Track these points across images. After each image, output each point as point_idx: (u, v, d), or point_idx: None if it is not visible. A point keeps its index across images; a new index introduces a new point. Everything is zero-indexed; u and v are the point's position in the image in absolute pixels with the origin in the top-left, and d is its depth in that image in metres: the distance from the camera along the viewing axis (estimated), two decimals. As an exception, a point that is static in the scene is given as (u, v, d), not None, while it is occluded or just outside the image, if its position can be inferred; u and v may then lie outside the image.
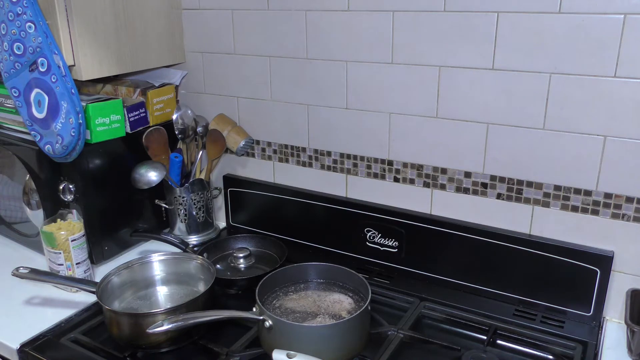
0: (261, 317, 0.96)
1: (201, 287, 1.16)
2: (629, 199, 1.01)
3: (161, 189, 1.40)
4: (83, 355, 1.01)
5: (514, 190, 1.11)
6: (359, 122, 1.24)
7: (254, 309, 0.99)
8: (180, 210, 1.41)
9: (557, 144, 1.04)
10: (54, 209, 1.28)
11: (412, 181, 1.21)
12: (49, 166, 1.26)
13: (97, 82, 1.43)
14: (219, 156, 1.42)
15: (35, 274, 1.09)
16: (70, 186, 1.26)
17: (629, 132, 0.98)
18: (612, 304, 1.08)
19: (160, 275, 1.19)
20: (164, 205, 1.42)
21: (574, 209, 1.06)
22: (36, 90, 1.15)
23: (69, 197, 1.27)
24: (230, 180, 1.46)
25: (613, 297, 1.08)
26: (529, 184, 1.09)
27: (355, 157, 1.27)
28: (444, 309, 1.13)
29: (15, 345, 1.04)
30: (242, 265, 1.29)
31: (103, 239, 1.32)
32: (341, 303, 1.06)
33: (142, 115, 1.35)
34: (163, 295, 1.18)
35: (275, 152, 1.39)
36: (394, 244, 1.24)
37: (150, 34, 1.32)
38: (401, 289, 1.20)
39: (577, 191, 1.05)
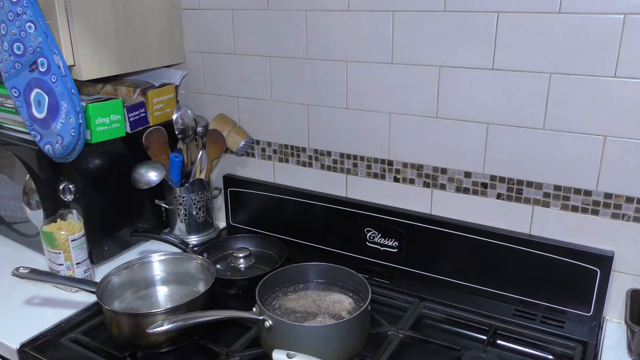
0: (261, 317, 0.96)
1: (201, 287, 1.16)
2: (629, 199, 1.01)
3: (161, 189, 1.40)
4: (83, 355, 1.01)
5: (514, 190, 1.11)
6: (359, 122, 1.24)
7: (254, 309, 0.99)
8: (180, 210, 1.41)
9: (557, 144, 1.04)
10: (54, 209, 1.28)
11: (412, 181, 1.21)
12: (49, 166, 1.26)
13: (97, 82, 1.43)
14: (219, 156, 1.42)
15: (35, 274, 1.09)
16: (70, 186, 1.26)
17: (629, 132, 0.98)
18: (612, 304, 1.08)
19: (160, 275, 1.19)
20: (164, 205, 1.42)
21: (574, 209, 1.06)
22: (36, 90, 1.15)
23: (69, 197, 1.27)
24: (230, 180, 1.46)
25: (613, 297, 1.08)
26: (529, 184, 1.09)
27: (355, 157, 1.27)
28: (444, 309, 1.13)
29: (15, 345, 1.04)
30: (242, 265, 1.29)
31: (103, 239, 1.32)
32: (341, 303, 1.06)
33: (142, 115, 1.35)
34: (163, 295, 1.18)
35: (275, 152, 1.39)
36: (394, 244, 1.24)
37: (150, 34, 1.32)
38: (401, 289, 1.20)
39: (577, 191, 1.05)
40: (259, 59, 1.32)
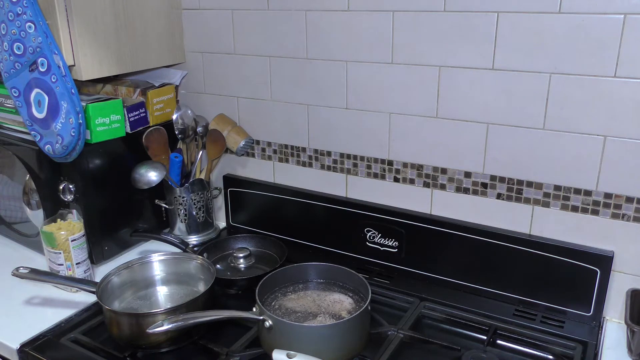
0: (261, 317, 0.96)
1: (201, 287, 1.16)
2: (629, 199, 1.01)
3: (161, 189, 1.40)
4: (83, 355, 1.01)
5: (514, 190, 1.11)
6: (359, 122, 1.24)
7: (254, 309, 0.99)
8: (180, 210, 1.41)
9: (557, 144, 1.04)
10: (54, 209, 1.28)
11: (412, 181, 1.21)
12: (49, 166, 1.26)
13: (97, 82, 1.43)
14: (219, 156, 1.42)
15: (35, 274, 1.09)
16: (70, 186, 1.26)
17: (629, 132, 0.98)
18: (612, 304, 1.08)
19: (160, 275, 1.19)
20: (164, 205, 1.42)
21: (574, 209, 1.06)
22: (36, 90, 1.15)
23: (69, 197, 1.27)
24: (230, 180, 1.46)
25: (613, 297, 1.08)
26: (529, 184, 1.09)
27: (355, 157, 1.27)
28: (444, 309, 1.13)
29: (15, 345, 1.04)
30: (242, 265, 1.29)
31: (103, 239, 1.32)
32: (341, 303, 1.06)
33: (142, 115, 1.35)
34: (163, 295, 1.18)
35: (275, 152, 1.39)
36: (394, 244, 1.24)
37: (150, 34, 1.32)
38: (401, 289, 1.20)
39: (577, 191, 1.05)
40: (259, 59, 1.32)
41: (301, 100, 1.30)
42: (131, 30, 1.27)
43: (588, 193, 1.04)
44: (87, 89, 1.42)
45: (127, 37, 1.26)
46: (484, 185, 1.14)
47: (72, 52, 1.16)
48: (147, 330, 0.91)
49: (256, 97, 1.36)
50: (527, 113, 1.05)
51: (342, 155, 1.29)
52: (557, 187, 1.07)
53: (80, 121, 1.15)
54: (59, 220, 1.21)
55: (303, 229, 1.37)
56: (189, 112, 1.40)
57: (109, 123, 1.26)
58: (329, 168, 1.32)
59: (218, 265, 1.31)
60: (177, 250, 1.28)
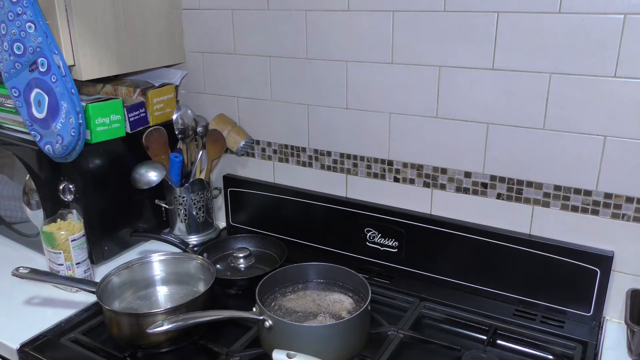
0: (261, 317, 0.96)
1: (201, 287, 1.16)
2: (629, 199, 1.01)
3: (161, 189, 1.40)
4: (83, 355, 1.01)
5: (514, 190, 1.11)
6: (359, 122, 1.24)
7: (254, 309, 0.99)
8: (180, 210, 1.41)
9: (557, 144, 1.04)
10: (54, 209, 1.28)
11: (412, 181, 1.21)
12: (49, 166, 1.26)
13: (97, 82, 1.43)
14: (219, 156, 1.42)
15: (35, 274, 1.09)
16: (70, 186, 1.26)
17: (629, 132, 0.98)
18: (612, 304, 1.08)
19: (160, 275, 1.19)
20: (164, 205, 1.42)
21: (574, 209, 1.06)
22: (36, 90, 1.15)
23: (69, 197, 1.27)
24: (230, 180, 1.46)
25: (613, 297, 1.08)
26: (529, 184, 1.09)
27: (355, 157, 1.27)
28: (444, 309, 1.13)
29: (15, 345, 1.04)
30: (242, 265, 1.29)
31: (103, 239, 1.32)
32: (341, 303, 1.06)
33: (142, 115, 1.35)
34: (163, 295, 1.18)
35: (275, 152, 1.39)
36: (394, 244, 1.24)
37: (150, 34, 1.32)
38: (401, 289, 1.20)
39: (577, 191, 1.05)
40: (259, 59, 1.32)
41: (301, 100, 1.30)
42: (131, 30, 1.27)
43: (588, 193, 1.04)
44: (87, 89, 1.42)
45: (127, 37, 1.26)
46: (484, 185, 1.14)
47: (72, 52, 1.16)
48: (147, 330, 0.91)
49: (256, 97, 1.36)
50: (527, 113, 1.05)
51: (342, 155, 1.29)
52: (557, 187, 1.07)
53: (80, 121, 1.15)
54: (59, 220, 1.21)
55: (303, 229, 1.37)
56: (189, 112, 1.40)
57: (109, 123, 1.26)
58: (329, 168, 1.32)
59: (218, 265, 1.31)
60: (177, 250, 1.28)
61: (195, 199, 1.40)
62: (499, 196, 1.13)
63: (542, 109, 1.03)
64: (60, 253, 1.17)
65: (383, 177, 1.25)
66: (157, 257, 1.19)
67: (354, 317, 0.96)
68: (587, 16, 0.95)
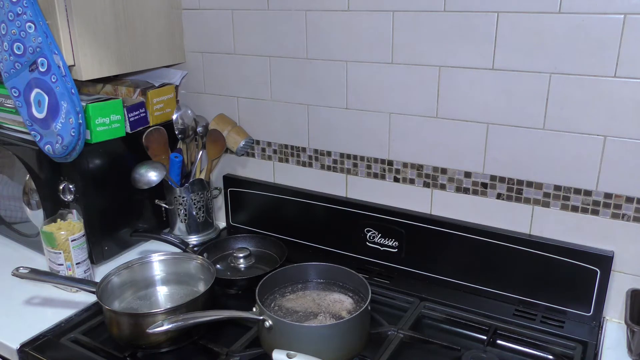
0: (261, 317, 0.96)
1: (201, 287, 1.16)
2: (629, 199, 1.01)
3: (161, 189, 1.40)
4: (83, 355, 1.01)
5: (514, 190, 1.11)
6: (359, 122, 1.24)
7: (254, 309, 0.99)
8: (180, 210, 1.41)
9: (557, 144, 1.04)
10: (54, 209, 1.28)
11: (412, 181, 1.21)
12: (49, 166, 1.26)
13: (97, 82, 1.43)
14: (219, 156, 1.42)
15: (35, 274, 1.09)
16: (70, 186, 1.26)
17: (629, 132, 0.98)
18: (612, 304, 1.08)
19: (160, 275, 1.19)
20: (164, 205, 1.42)
21: (574, 209, 1.06)
22: (36, 90, 1.15)
23: (69, 197, 1.27)
24: (230, 180, 1.46)
25: (613, 297, 1.08)
26: (529, 184, 1.09)
27: (355, 157, 1.27)
28: (444, 309, 1.13)
29: (15, 345, 1.04)
30: (242, 265, 1.29)
31: (103, 239, 1.32)
32: (341, 303, 1.06)
33: (142, 115, 1.35)
34: (163, 295, 1.18)
35: (275, 152, 1.39)
36: (394, 244, 1.24)
37: (150, 34, 1.32)
38: (401, 289, 1.20)
39: (577, 191, 1.05)
40: (259, 59, 1.32)
41: (301, 100, 1.30)
42: (131, 30, 1.27)
43: (588, 193, 1.04)
44: (87, 89, 1.42)
45: (127, 37, 1.26)
46: (484, 185, 1.14)
47: (72, 52, 1.16)
48: (147, 330, 0.91)
49: (256, 97, 1.36)
50: (527, 113, 1.05)
51: (342, 155, 1.29)
52: (557, 187, 1.07)
53: (80, 121, 1.15)
54: (59, 220, 1.21)
55: (303, 229, 1.37)
56: (189, 112, 1.40)
57: (109, 123, 1.26)
58: (329, 168, 1.32)
59: (218, 265, 1.31)
60: (177, 250, 1.28)
61: (195, 199, 1.40)
62: (499, 196, 1.13)
63: (542, 109, 1.03)
64: (60, 253, 1.17)
65: (383, 177, 1.25)
66: (157, 257, 1.19)
67: (354, 317, 0.96)
68: (587, 16, 0.95)
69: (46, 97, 1.14)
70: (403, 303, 1.16)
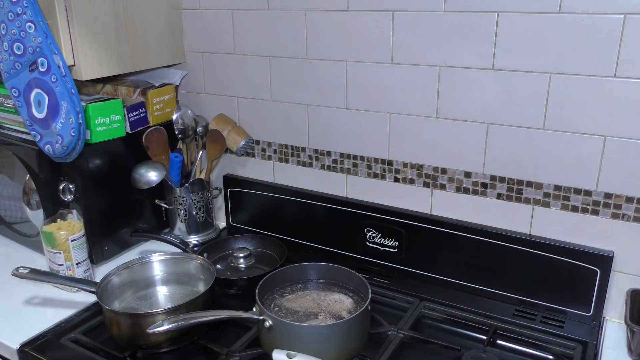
0: (261, 317, 0.96)
1: (201, 287, 1.16)
2: (629, 199, 1.01)
3: (161, 189, 1.40)
4: (83, 355, 1.01)
5: (514, 190, 1.11)
6: (359, 122, 1.24)
7: (254, 309, 0.99)
8: (180, 210, 1.41)
9: (557, 144, 1.04)
10: (54, 209, 1.28)
11: (412, 181, 1.21)
12: (49, 166, 1.26)
13: (97, 82, 1.43)
14: (219, 156, 1.42)
15: (35, 274, 1.09)
16: (70, 186, 1.26)
17: (629, 132, 0.98)
18: (612, 304, 1.08)
19: (160, 275, 1.19)
20: (164, 205, 1.42)
21: (574, 209, 1.06)
22: (36, 90, 1.15)
23: (69, 197, 1.27)
24: (230, 180, 1.46)
25: (613, 297, 1.08)
26: (529, 184, 1.09)
27: (355, 157, 1.27)
28: (444, 309, 1.13)
29: (15, 345, 1.04)
30: (242, 265, 1.29)
31: (103, 239, 1.32)
32: (341, 303, 1.06)
33: (142, 115, 1.35)
34: (163, 295, 1.18)
35: (275, 152, 1.39)
36: (394, 244, 1.24)
37: (150, 34, 1.32)
38: (401, 289, 1.20)
39: (577, 191, 1.05)
40: (259, 59, 1.32)
41: (301, 100, 1.30)
42: (131, 30, 1.27)
43: (588, 193, 1.04)
44: (87, 89, 1.42)
45: (127, 37, 1.26)
46: (484, 185, 1.14)
47: (72, 52, 1.16)
48: (147, 330, 0.91)
49: (256, 97, 1.36)
50: (527, 113, 1.05)
51: (342, 155, 1.29)
52: (557, 187, 1.07)
53: (80, 121, 1.15)
54: (59, 220, 1.21)
55: (303, 229, 1.37)
56: (189, 112, 1.40)
57: (109, 123, 1.26)
58: (329, 168, 1.32)
59: (218, 265, 1.31)
60: (177, 250, 1.28)
61: (195, 199, 1.40)
62: (499, 196, 1.13)
63: (542, 109, 1.03)
64: (60, 253, 1.17)
65: (383, 177, 1.25)
66: (157, 257, 1.19)
67: (354, 317, 0.96)
68: (587, 16, 0.95)
69: (46, 97, 1.14)
70: (403, 303, 1.16)
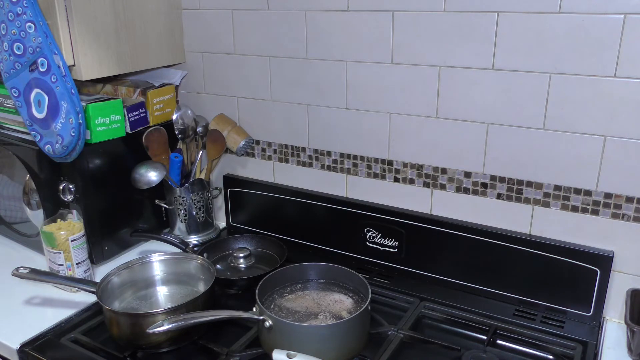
0: (261, 317, 0.96)
1: (201, 287, 1.16)
2: (629, 199, 1.01)
3: (161, 189, 1.40)
4: (83, 355, 1.01)
5: (514, 190, 1.11)
6: (359, 122, 1.24)
7: (254, 309, 0.99)
8: (180, 210, 1.41)
9: (557, 144, 1.04)
10: (54, 209, 1.28)
11: (412, 181, 1.21)
12: (49, 166, 1.26)
13: (97, 82, 1.43)
14: (219, 156, 1.42)
15: (35, 274, 1.09)
16: (70, 186, 1.26)
17: (629, 132, 0.98)
18: (612, 304, 1.08)
19: (160, 275, 1.19)
20: (164, 205, 1.42)
21: (574, 209, 1.06)
22: (36, 90, 1.15)
23: (69, 197, 1.27)
24: (230, 180, 1.46)
25: (613, 297, 1.08)
26: (529, 184, 1.09)
27: (355, 157, 1.27)
28: (444, 309, 1.13)
29: (15, 345, 1.04)
30: (242, 265, 1.29)
31: (103, 239, 1.32)
32: (341, 303, 1.06)
33: (142, 115, 1.35)
34: (163, 295, 1.18)
35: (275, 152, 1.39)
36: (394, 244, 1.24)
37: (150, 34, 1.32)
38: (401, 289, 1.20)
39: (577, 191, 1.05)
40: (259, 59, 1.32)
41: (301, 100, 1.30)
42: (131, 30, 1.27)
43: (588, 193, 1.04)
44: (87, 89, 1.42)
45: (127, 37, 1.26)
46: (484, 185, 1.14)
47: (72, 52, 1.16)
48: (147, 330, 0.91)
49: (256, 97, 1.36)
50: (527, 113, 1.05)
51: (342, 155, 1.29)
52: (557, 187, 1.07)
53: (80, 121, 1.15)
54: (59, 220, 1.21)
55: (303, 229, 1.37)
56: (189, 112, 1.40)
57: (109, 123, 1.26)
58: (329, 168, 1.32)
59: (218, 265, 1.31)
60: (177, 250, 1.28)
61: (195, 199, 1.40)
62: (499, 196, 1.13)
63: (542, 109, 1.03)
64: (60, 253, 1.17)
65: (383, 177, 1.25)
66: (157, 257, 1.19)
67: (354, 317, 0.96)
68: (587, 16, 0.95)
69: (46, 97, 1.14)
70: (403, 303, 1.16)
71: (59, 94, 1.13)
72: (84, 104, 1.19)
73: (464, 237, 1.16)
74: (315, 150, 1.32)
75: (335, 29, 1.19)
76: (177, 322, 0.92)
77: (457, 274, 1.19)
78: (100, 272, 1.26)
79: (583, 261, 1.05)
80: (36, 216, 1.34)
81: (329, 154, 1.31)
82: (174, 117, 1.37)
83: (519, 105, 1.05)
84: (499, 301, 1.15)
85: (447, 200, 1.18)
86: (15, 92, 1.18)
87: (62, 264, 1.18)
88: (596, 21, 0.94)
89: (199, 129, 1.41)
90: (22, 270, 1.09)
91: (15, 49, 1.13)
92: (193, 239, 1.42)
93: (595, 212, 1.04)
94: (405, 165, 1.21)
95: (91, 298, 1.15)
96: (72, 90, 1.13)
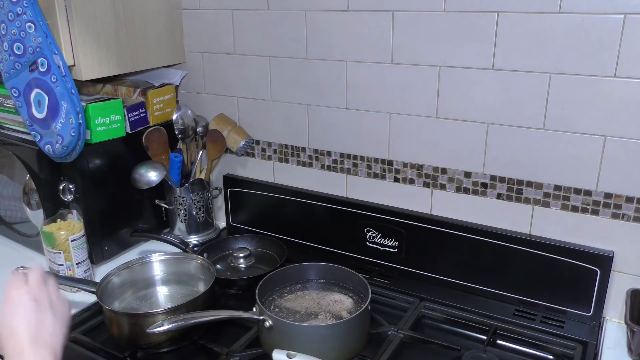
0: (261, 317, 0.96)
1: (201, 287, 1.16)
2: (629, 199, 1.01)
3: (161, 189, 1.40)
4: (83, 355, 1.01)
5: (514, 190, 1.11)
6: (359, 122, 1.23)
7: (254, 309, 0.99)
8: (180, 210, 1.41)
9: (557, 144, 1.04)
10: (54, 209, 1.28)
11: (412, 181, 1.21)
12: (49, 166, 1.27)
13: (97, 82, 1.43)
14: (219, 156, 1.42)
15: (35, 274, 1.09)
16: (70, 186, 1.26)
17: (629, 132, 0.97)
18: (612, 304, 1.08)
19: (160, 275, 1.19)
20: (164, 205, 1.42)
21: (574, 209, 1.06)
22: (36, 90, 1.15)
23: (69, 197, 1.27)
24: (230, 180, 1.46)
25: (613, 297, 1.08)
26: (529, 184, 1.09)
27: (355, 157, 1.27)
28: (444, 309, 1.13)
29: (15, 345, 1.04)
30: (242, 265, 1.29)
31: (103, 239, 1.32)
32: (341, 303, 1.06)
33: (142, 115, 1.35)
34: (163, 295, 1.18)
35: (275, 152, 1.39)
36: (394, 244, 1.24)
37: (150, 34, 1.32)
38: (401, 289, 1.20)
39: (577, 191, 1.05)
40: (259, 59, 1.32)
41: (301, 100, 1.30)
42: (131, 30, 1.27)
43: (588, 193, 1.04)
44: (87, 89, 1.42)
45: (127, 37, 1.26)
46: (484, 185, 1.14)
47: (72, 52, 1.16)
48: (147, 330, 0.91)
49: (256, 97, 1.36)
50: (527, 113, 1.05)
51: (342, 155, 1.29)
52: (557, 187, 1.07)
53: (80, 121, 1.15)
54: (59, 220, 1.21)
55: (303, 229, 1.37)
56: (189, 112, 1.40)
57: (109, 123, 1.26)
58: (329, 168, 1.32)
59: (218, 265, 1.31)
60: (177, 250, 1.28)
61: (195, 199, 1.40)
62: (499, 196, 1.13)
63: (542, 109, 1.03)
64: (60, 253, 1.17)
65: (383, 177, 1.25)
66: (157, 257, 1.19)
67: (354, 317, 0.96)
68: (587, 16, 0.95)
69: (46, 97, 1.14)
70: (403, 303, 1.16)
71: (59, 94, 1.13)
72: (84, 104, 1.19)
73: (464, 237, 1.16)
74: (315, 150, 1.32)
75: (335, 29, 1.19)
76: (177, 322, 0.92)
77: (457, 274, 1.19)
78: (100, 272, 1.26)
79: (583, 261, 1.05)
80: (36, 216, 1.34)
81: (329, 154, 1.31)
82: (174, 117, 1.37)
83: (519, 105, 1.05)
84: (499, 301, 1.15)
85: (447, 200, 1.18)
86: (15, 92, 1.18)
87: (62, 264, 1.18)
88: (596, 21, 0.94)
89: (199, 129, 1.41)
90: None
91: (15, 49, 1.13)
92: (193, 239, 1.42)
93: (595, 212, 1.04)
94: (405, 165, 1.21)
95: (91, 298, 1.14)
96: (72, 90, 1.13)
